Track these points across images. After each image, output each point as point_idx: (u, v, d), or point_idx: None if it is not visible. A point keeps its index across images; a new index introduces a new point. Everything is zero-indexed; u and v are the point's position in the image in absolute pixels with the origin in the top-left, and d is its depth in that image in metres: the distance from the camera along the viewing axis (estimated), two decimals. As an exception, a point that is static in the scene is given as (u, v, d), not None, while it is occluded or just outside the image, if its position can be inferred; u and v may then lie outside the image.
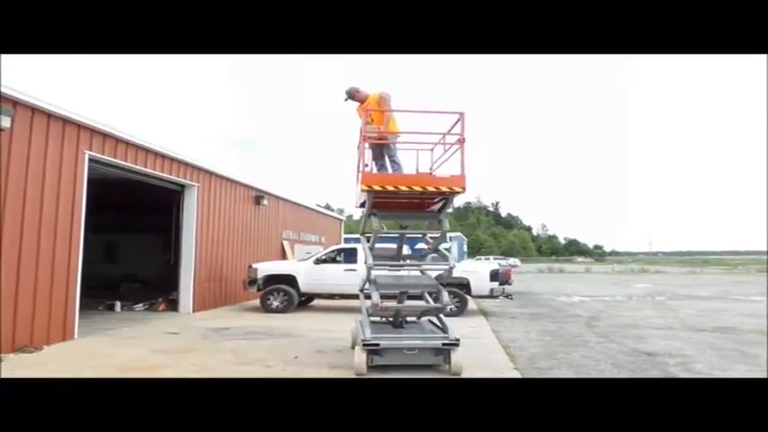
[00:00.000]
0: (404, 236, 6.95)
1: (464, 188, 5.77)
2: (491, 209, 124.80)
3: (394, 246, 7.20)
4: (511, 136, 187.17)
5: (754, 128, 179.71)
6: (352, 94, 6.71)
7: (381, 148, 6.54)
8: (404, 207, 6.44)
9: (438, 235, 6.45)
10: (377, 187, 5.72)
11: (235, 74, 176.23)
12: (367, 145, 6.35)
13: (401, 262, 7.15)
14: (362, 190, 5.85)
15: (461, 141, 5.74)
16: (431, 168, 6.56)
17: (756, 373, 6.13)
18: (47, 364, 6.12)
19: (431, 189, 5.77)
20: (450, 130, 5.98)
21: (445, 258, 6.31)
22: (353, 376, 5.58)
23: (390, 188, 5.73)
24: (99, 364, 6.13)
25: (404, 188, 5.75)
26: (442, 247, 6.98)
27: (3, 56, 6.12)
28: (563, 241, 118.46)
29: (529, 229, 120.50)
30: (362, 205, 6.24)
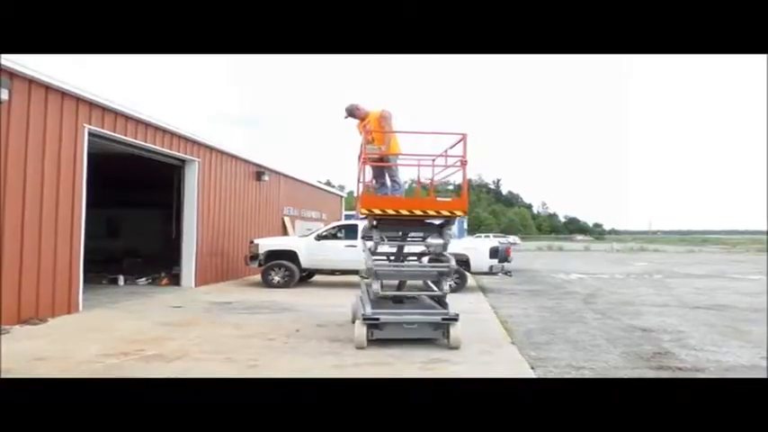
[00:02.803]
0: (404, 242, 7.04)
1: (465, 212, 5.83)
2: (492, 186, 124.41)
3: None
4: (513, 115, 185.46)
5: (755, 112, 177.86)
6: (352, 112, 6.63)
7: (382, 167, 6.53)
8: (405, 221, 6.41)
9: (440, 242, 6.47)
10: (377, 211, 5.80)
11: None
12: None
13: (402, 261, 7.23)
14: (362, 213, 5.94)
15: (464, 164, 5.71)
16: (431, 180, 6.55)
17: (749, 348, 6.25)
18: (52, 335, 6.25)
19: (431, 213, 5.84)
20: (452, 147, 5.96)
21: (447, 260, 6.31)
22: (355, 349, 5.70)
23: (391, 212, 5.82)
24: (104, 336, 6.25)
25: (404, 212, 5.83)
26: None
27: (3, 56, 6.10)
28: (563, 219, 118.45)
29: (529, 207, 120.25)
30: (365, 217, 6.31)
